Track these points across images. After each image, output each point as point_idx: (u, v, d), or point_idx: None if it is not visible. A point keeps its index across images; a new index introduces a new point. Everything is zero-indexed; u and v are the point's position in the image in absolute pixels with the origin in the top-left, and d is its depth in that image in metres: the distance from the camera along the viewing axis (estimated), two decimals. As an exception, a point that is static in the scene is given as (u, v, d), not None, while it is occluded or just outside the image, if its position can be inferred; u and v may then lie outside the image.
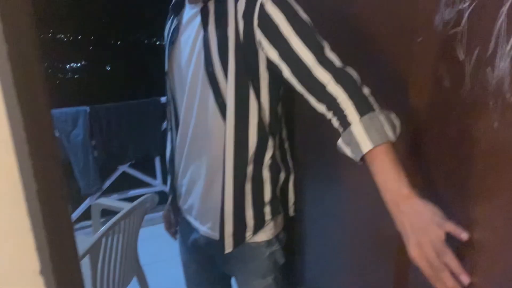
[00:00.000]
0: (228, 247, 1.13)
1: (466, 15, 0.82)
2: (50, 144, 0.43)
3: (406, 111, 1.02)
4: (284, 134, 1.21)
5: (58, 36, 24.23)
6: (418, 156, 1.03)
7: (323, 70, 0.88)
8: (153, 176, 3.26)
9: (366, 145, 0.78)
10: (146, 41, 23.73)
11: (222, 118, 1.04)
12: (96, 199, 3.09)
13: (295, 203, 1.27)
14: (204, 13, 1.03)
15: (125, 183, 3.20)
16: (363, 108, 0.81)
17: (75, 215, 3.07)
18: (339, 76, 0.86)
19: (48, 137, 0.43)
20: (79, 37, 24.50)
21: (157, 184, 3.26)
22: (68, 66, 23.35)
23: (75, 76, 23.53)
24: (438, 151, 0.96)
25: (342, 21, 1.42)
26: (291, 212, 1.25)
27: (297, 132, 1.80)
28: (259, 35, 0.94)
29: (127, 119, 3.02)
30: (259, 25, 0.93)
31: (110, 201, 2.20)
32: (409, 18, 1.07)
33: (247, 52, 0.98)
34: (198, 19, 1.04)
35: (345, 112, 0.82)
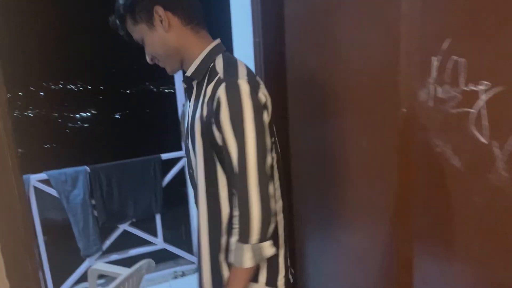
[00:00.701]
0: None
1: (484, 98, 0.77)
2: None
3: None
4: (278, 206, 1.20)
5: (68, 86, 24.86)
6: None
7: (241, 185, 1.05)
8: (154, 234, 3.17)
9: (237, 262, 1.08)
10: (154, 89, 24.23)
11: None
12: (96, 259, 3.00)
13: (288, 274, 1.26)
14: (188, 92, 1.22)
15: (126, 242, 3.11)
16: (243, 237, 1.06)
17: (73, 277, 2.97)
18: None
19: None
20: (88, 87, 25.09)
21: (158, 242, 3.16)
22: (78, 115, 23.83)
23: (85, 125, 23.96)
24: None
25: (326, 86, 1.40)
26: (281, 284, 1.24)
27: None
28: (216, 130, 1.06)
29: (128, 177, 2.98)
30: (213, 116, 1.05)
31: (107, 266, 2.11)
32: (393, 90, 1.04)
33: (209, 131, 1.07)
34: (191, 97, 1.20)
35: (238, 227, 1.06)
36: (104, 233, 3.02)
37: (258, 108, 1.03)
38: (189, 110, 1.18)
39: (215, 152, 1.09)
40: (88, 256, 2.95)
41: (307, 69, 1.65)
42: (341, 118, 1.37)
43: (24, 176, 2.75)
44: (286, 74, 1.82)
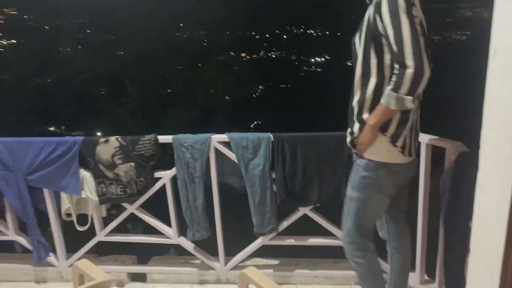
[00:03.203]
0: None
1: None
2: None
3: None
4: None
5: (309, 31, 25.60)
6: None
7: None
8: (340, 225, 2.57)
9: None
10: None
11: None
12: (270, 239, 2.62)
13: (408, 147, 1.81)
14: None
15: (305, 228, 2.62)
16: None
17: (244, 253, 2.68)
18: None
19: None
20: (326, 33, 25.29)
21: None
22: (313, 60, 24.48)
23: (318, 70, 24.49)
24: None
25: None
26: (399, 147, 1.78)
27: None
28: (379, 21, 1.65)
29: (316, 154, 2.41)
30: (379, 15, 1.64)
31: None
32: None
33: (374, 24, 1.67)
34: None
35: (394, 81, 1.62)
36: (282, 212, 2.59)
37: (408, 4, 1.56)
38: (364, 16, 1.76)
39: (373, 43, 1.70)
40: (262, 234, 2.60)
41: None
42: None
43: (206, 135, 2.50)
44: None
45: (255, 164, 2.46)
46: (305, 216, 2.58)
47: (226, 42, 16.36)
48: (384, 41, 1.65)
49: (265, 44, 24.16)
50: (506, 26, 0.88)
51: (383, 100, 1.67)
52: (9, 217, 2.74)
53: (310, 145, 2.41)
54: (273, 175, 2.48)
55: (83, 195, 2.57)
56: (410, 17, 1.56)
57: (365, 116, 1.77)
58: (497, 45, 0.90)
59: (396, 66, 1.61)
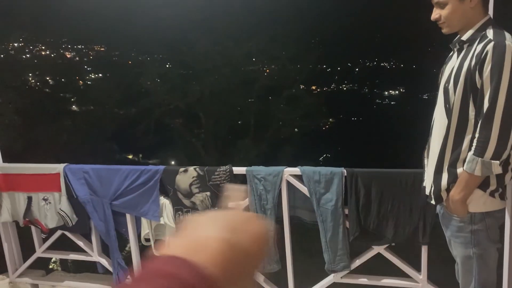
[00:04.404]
0: None
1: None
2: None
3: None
4: None
5: (382, 64, 25.24)
6: None
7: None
8: (417, 267, 2.44)
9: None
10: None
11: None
12: (342, 277, 2.56)
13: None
14: (458, 52, 1.77)
15: (379, 267, 2.53)
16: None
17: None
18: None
19: None
20: (401, 65, 24.77)
21: (420, 280, 2.42)
22: (386, 92, 23.96)
23: (392, 103, 23.88)
24: None
25: None
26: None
27: None
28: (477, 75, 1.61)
29: (391, 191, 2.35)
30: (479, 69, 1.60)
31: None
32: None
33: (472, 77, 1.62)
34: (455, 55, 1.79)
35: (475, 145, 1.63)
36: (355, 249, 2.52)
37: None
38: (453, 65, 1.74)
39: (472, 94, 1.63)
40: (333, 271, 2.54)
41: None
42: None
43: (279, 168, 2.54)
44: None
45: (327, 199, 2.44)
46: (379, 255, 2.49)
47: (297, 76, 16.63)
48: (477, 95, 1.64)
49: (336, 77, 24.15)
50: None
51: (466, 167, 1.62)
52: (94, 239, 2.95)
53: (385, 182, 2.36)
54: (346, 211, 2.44)
55: (162, 221, 2.71)
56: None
57: (459, 170, 1.71)
58: None
59: (479, 127, 1.61)
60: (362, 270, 2.55)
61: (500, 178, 1.69)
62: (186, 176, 2.63)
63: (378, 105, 23.48)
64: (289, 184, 2.54)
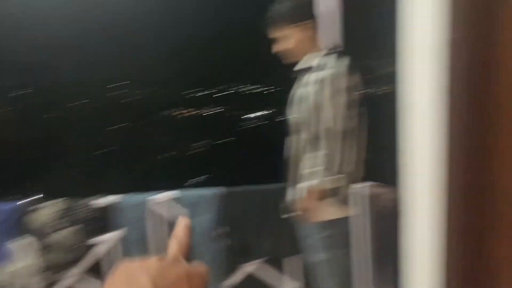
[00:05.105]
0: None
1: None
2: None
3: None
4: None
5: (253, 86, 26.39)
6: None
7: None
8: (296, 277, 2.59)
9: None
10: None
11: None
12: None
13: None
14: (298, 80, 1.97)
15: (253, 284, 2.61)
16: None
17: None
18: None
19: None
20: (272, 87, 26.20)
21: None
22: (258, 113, 25.11)
23: (264, 122, 25.12)
24: None
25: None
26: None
27: None
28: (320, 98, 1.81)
29: (262, 208, 2.48)
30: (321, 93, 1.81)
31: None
32: None
33: (314, 105, 1.84)
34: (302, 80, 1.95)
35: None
36: (232, 269, 2.57)
37: (349, 88, 1.75)
38: (299, 89, 1.89)
39: (316, 115, 1.79)
40: (213, 291, 2.56)
41: None
42: None
43: (149, 194, 2.49)
44: (500, 92, 1.02)
45: (205, 220, 2.46)
46: (257, 269, 2.58)
47: (165, 100, 16.52)
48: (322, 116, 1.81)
49: (209, 100, 24.57)
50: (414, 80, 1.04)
51: (315, 182, 1.80)
52: None
53: (258, 198, 2.48)
54: (220, 231, 2.49)
55: (19, 265, 2.42)
56: (348, 102, 1.76)
57: (311, 183, 1.85)
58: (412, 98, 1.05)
59: (325, 144, 1.78)
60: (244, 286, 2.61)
61: (346, 188, 1.87)
62: (48, 211, 2.40)
63: (247, 126, 24.48)
64: (164, 209, 2.50)
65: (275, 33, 1.91)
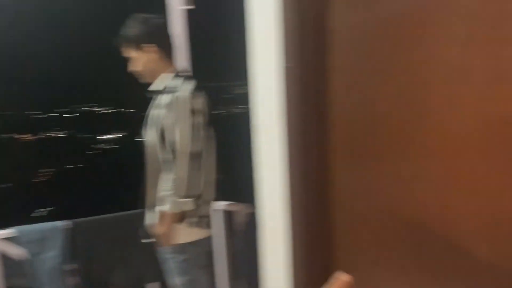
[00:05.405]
0: None
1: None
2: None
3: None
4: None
5: (101, 108, 25.01)
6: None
7: None
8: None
9: None
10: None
11: None
12: None
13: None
14: (153, 100, 1.96)
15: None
16: None
17: None
18: None
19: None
20: (122, 110, 25.13)
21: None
22: (108, 136, 23.79)
23: (112, 147, 23.86)
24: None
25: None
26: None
27: None
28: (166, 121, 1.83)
29: (119, 235, 2.35)
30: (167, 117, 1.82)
31: None
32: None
33: (162, 126, 1.86)
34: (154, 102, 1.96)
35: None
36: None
37: (194, 112, 1.77)
38: (150, 112, 1.90)
39: (164, 138, 1.82)
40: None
41: (369, 104, 1.03)
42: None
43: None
44: (332, 107, 1.19)
45: (49, 257, 2.22)
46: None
47: (5, 122, 14.58)
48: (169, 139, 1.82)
49: (49, 123, 22.42)
50: (265, 106, 1.13)
51: (165, 205, 1.80)
52: None
53: (112, 227, 2.35)
54: (69, 267, 2.28)
55: None
56: (193, 125, 1.77)
57: (162, 207, 1.84)
58: (260, 119, 1.15)
59: (174, 168, 1.78)
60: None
61: (200, 210, 1.86)
62: None
63: (97, 150, 23.03)
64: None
65: (125, 53, 1.91)
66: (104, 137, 23.29)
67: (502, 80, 0.82)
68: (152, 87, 1.92)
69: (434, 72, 0.94)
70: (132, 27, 1.88)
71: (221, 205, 2.45)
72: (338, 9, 1.14)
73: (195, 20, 2.30)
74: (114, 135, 23.74)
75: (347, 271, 1.00)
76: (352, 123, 1.15)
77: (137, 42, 1.87)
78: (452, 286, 0.98)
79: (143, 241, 1.98)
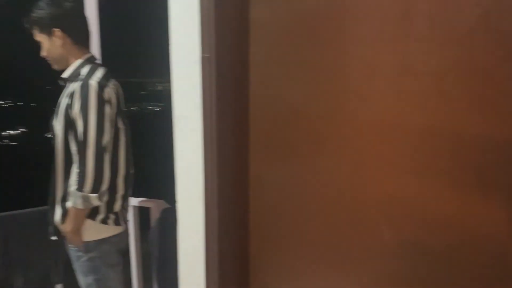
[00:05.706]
0: None
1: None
2: None
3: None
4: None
5: (-1, 102, 22.82)
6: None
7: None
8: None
9: None
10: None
11: None
12: None
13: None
14: (64, 88, 1.86)
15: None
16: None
17: None
18: None
19: None
20: (20, 104, 23.24)
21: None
22: (4, 133, 21.77)
23: (13, 143, 21.88)
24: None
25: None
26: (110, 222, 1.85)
27: None
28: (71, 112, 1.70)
29: (17, 235, 2.16)
30: (72, 107, 1.70)
31: None
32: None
33: (69, 115, 1.73)
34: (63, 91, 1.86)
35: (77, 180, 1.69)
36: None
37: (101, 101, 1.65)
38: (59, 103, 1.76)
39: (70, 130, 1.69)
40: None
41: (286, 98, 1.06)
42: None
43: None
44: (250, 101, 1.19)
45: None
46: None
47: None
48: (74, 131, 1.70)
49: None
50: (182, 98, 1.10)
51: (70, 201, 1.68)
52: None
53: (11, 225, 2.15)
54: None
55: None
56: (100, 116, 1.65)
57: (68, 203, 1.72)
58: (178, 113, 1.11)
59: (78, 161, 1.67)
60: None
61: (109, 206, 1.78)
62: None
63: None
64: None
65: (35, 37, 1.79)
66: (5, 132, 21.30)
67: (407, 73, 0.89)
68: (63, 75, 1.80)
69: (348, 67, 0.99)
70: (39, 9, 1.75)
71: (135, 201, 2.36)
72: (258, 0, 1.14)
73: (109, 6, 2.19)
74: (17, 131, 21.83)
75: (264, 267, 1.01)
76: (270, 116, 1.17)
77: (43, 26, 1.75)
78: (362, 268, 1.03)
79: (52, 238, 1.83)
